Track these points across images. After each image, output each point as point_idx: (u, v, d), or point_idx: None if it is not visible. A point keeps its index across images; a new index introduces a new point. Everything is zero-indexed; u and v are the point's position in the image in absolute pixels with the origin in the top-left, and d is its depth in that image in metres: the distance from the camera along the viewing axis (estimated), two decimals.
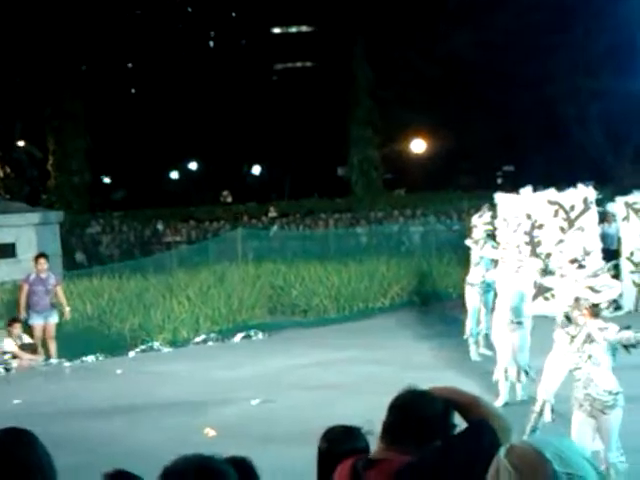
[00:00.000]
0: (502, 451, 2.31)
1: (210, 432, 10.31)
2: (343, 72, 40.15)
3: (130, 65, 47.36)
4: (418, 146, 44.80)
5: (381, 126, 39.87)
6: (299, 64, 50.12)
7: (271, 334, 17.65)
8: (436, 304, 19.92)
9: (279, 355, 15.46)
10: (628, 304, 17.47)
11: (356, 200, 37.62)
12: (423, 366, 13.25)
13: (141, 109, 45.90)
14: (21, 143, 38.96)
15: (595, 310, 7.71)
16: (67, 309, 16.24)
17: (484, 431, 3.50)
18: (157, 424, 11.09)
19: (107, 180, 49.77)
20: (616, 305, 12.41)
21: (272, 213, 34.26)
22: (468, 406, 3.66)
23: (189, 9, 47.25)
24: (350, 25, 40.32)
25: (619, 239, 18.02)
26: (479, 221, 13.92)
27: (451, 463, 3.48)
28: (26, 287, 16.12)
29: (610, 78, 33.24)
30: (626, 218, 17.56)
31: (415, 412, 3.62)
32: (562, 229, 16.91)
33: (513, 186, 18.31)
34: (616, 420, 7.56)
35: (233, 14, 47.81)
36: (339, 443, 4.17)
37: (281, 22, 49.85)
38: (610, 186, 24.13)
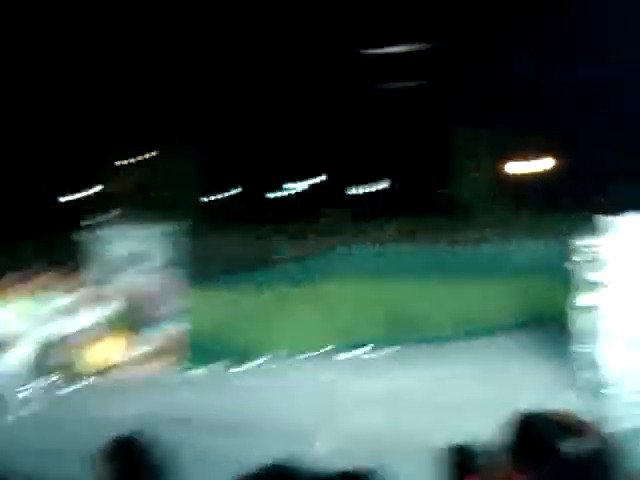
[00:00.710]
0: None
1: (324, 445, 10.45)
2: (452, 89, 39.89)
3: (237, 84, 48.07)
4: (526, 165, 44.11)
5: (493, 144, 39.52)
6: (407, 82, 49.96)
7: (387, 351, 17.59)
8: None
9: (395, 372, 15.46)
10: None
11: (464, 219, 37.25)
12: (545, 387, 13.13)
13: (251, 125, 46.51)
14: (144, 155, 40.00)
15: None
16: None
17: (604, 457, 3.56)
18: (275, 435, 11.23)
19: (222, 195, 50.54)
20: None
21: (378, 231, 34.15)
22: (585, 430, 3.73)
23: None
24: (461, 41, 40.06)
25: None
26: None
27: None
28: (145, 297, 16.54)
29: None
30: None
31: (533, 433, 3.72)
32: None
33: (623, 209, 17.95)
34: None
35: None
36: (461, 461, 4.28)
37: (385, 41, 49.82)
38: None
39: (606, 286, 12.06)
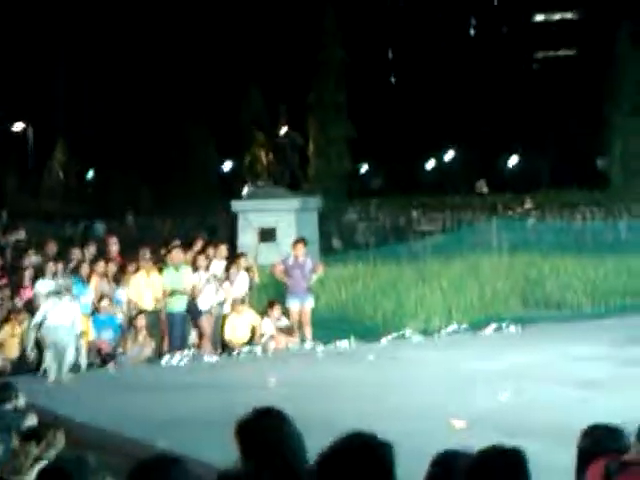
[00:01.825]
0: None
1: (458, 424, 10.33)
2: (606, 58, 38.80)
3: (391, 55, 47.98)
4: None
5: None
6: (561, 52, 48.97)
7: (524, 327, 17.41)
8: None
9: (531, 349, 15.24)
10: None
11: (615, 192, 36.32)
12: None
13: (400, 98, 46.41)
14: (284, 129, 40.39)
15: None
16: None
17: None
18: (407, 410, 11.21)
19: (365, 168, 50.65)
20: None
21: (528, 204, 33.69)
22: None
23: None
24: (614, 9, 38.94)
25: None
26: None
27: None
28: (281, 268, 16.73)
29: None
30: None
31: None
32: None
33: None
34: None
35: (495, 2, 47.37)
36: (601, 443, 4.10)
37: (543, 9, 48.87)
38: None
39: None
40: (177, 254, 16.23)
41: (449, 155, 51.58)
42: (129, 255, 17.18)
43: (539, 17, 49.76)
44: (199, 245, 17.34)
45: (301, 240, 17.12)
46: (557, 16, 49.50)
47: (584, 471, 3.84)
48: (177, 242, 17.81)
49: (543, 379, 12.77)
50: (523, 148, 49.57)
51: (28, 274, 16.07)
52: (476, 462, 3.53)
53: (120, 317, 15.85)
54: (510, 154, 51.06)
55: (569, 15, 48.84)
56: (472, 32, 48.58)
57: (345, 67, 39.24)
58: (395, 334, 16.75)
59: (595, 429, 4.24)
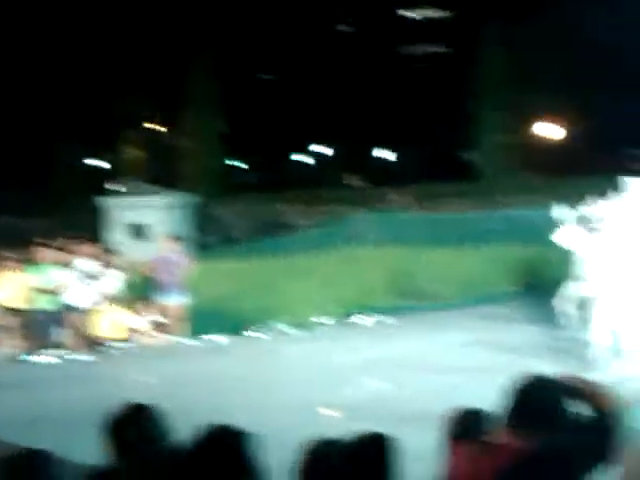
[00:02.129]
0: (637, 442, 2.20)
1: (332, 414, 10.36)
2: (473, 52, 39.59)
3: (262, 49, 47.96)
4: (550, 128, 43.82)
5: (513, 108, 39.18)
6: (428, 47, 49.79)
7: (398, 318, 17.64)
8: None
9: (405, 339, 15.44)
10: None
11: (484, 185, 37.11)
12: (550, 353, 13.07)
13: (275, 93, 46.42)
14: (157, 126, 39.93)
15: None
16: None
17: (607, 420, 3.44)
18: (281, 403, 11.20)
19: (238, 163, 50.51)
20: None
21: (401, 197, 34.10)
22: (591, 395, 3.59)
23: None
24: (480, 7, 39.78)
25: None
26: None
27: (572, 450, 3.42)
28: (153, 265, 16.55)
29: None
30: None
31: (537, 399, 3.58)
32: None
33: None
34: None
35: None
36: (465, 426, 4.17)
37: (408, 4, 49.61)
38: None
39: (608, 252, 11.84)
40: (44, 253, 15.85)
41: (324, 149, 51.90)
42: None
43: (404, 12, 50.45)
44: (68, 243, 16.95)
45: (173, 236, 16.97)
46: (425, 12, 50.32)
47: (450, 454, 3.88)
48: (44, 240, 17.36)
49: (416, 368, 12.96)
50: (396, 142, 50.22)
51: None
52: (344, 450, 3.54)
53: None
54: (384, 147, 51.68)
55: (432, 11, 49.69)
56: (342, 27, 48.92)
57: (218, 62, 39.01)
58: (271, 328, 16.76)
59: (461, 413, 4.31)
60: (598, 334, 12.11)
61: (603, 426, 3.41)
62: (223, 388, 12.21)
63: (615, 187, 14.26)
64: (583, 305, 13.74)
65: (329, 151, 51.51)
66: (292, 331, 16.84)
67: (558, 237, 14.03)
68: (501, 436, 3.59)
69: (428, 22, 49.10)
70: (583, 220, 13.51)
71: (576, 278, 13.75)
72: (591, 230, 13.19)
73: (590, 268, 12.87)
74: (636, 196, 13.47)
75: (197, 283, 16.76)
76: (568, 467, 3.38)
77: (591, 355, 12.55)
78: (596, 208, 13.30)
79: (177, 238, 16.97)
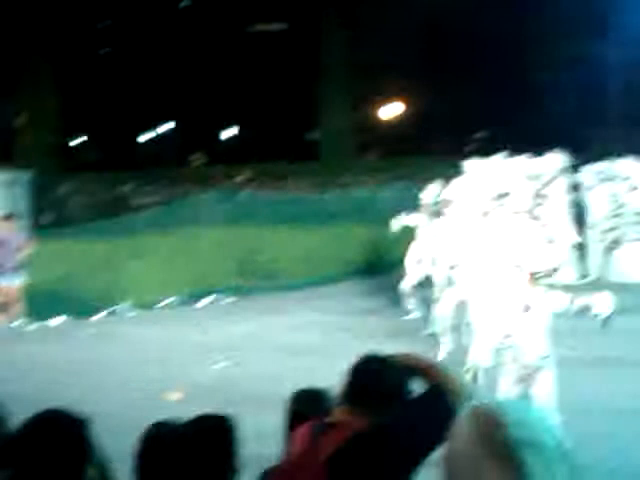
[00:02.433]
0: (463, 413, 2.24)
1: (174, 396, 10.29)
2: (315, 33, 39.82)
3: (102, 24, 46.90)
4: (392, 110, 44.59)
5: (353, 89, 39.64)
6: (271, 25, 49.75)
7: (240, 298, 17.67)
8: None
9: (248, 319, 15.47)
10: (595, 272, 17.59)
11: (327, 164, 37.48)
12: (387, 333, 13.35)
13: (115, 70, 45.49)
14: None
15: (535, 277, 7.87)
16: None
17: (441, 395, 3.52)
18: (125, 386, 11.06)
19: (79, 141, 49.36)
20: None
21: (242, 176, 34.11)
22: (426, 371, 3.68)
23: None
24: None
25: (586, 207, 18.08)
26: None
27: (409, 426, 3.49)
28: None
29: (585, 44, 33.24)
30: (593, 187, 17.61)
31: (374, 377, 3.63)
32: (532, 196, 17.02)
33: (486, 153, 18.35)
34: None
35: None
36: (306, 405, 4.21)
37: None
38: (582, 154, 24.16)
39: (450, 234, 12.12)
40: None
41: (165, 127, 51.26)
42: None
43: None
44: None
45: (7, 215, 16.43)
46: None
47: (291, 434, 3.90)
48: None
49: (261, 348, 13.00)
50: (238, 121, 50.08)
51: None
52: (183, 431, 3.52)
53: None
54: (226, 127, 51.46)
55: None
56: (185, 2, 48.31)
57: (54, 36, 37.93)
58: (110, 310, 16.51)
59: (301, 393, 4.35)
60: (439, 316, 12.42)
61: (439, 403, 3.49)
62: (60, 372, 11.94)
63: (457, 169, 14.65)
64: (425, 286, 14.08)
65: (171, 129, 50.95)
66: (134, 312, 16.62)
67: (401, 218, 14.32)
68: (339, 415, 3.63)
69: (271, 1, 49.06)
70: (425, 202, 13.81)
71: (418, 260, 14.06)
72: (433, 212, 13.49)
73: (432, 250, 13.17)
74: (477, 178, 13.84)
75: (34, 264, 16.30)
76: (405, 444, 3.45)
77: (431, 335, 12.87)
78: (437, 190, 13.60)
79: (11, 216, 16.44)
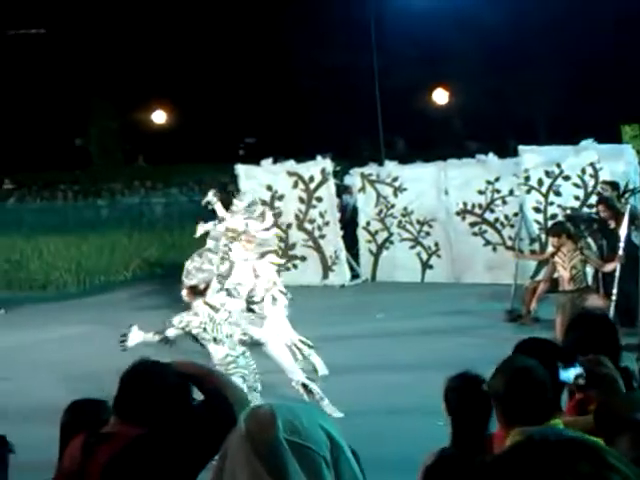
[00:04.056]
0: (242, 416, 2.26)
1: None
2: (82, 41, 39.09)
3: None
4: (159, 117, 44.39)
5: (120, 97, 39.20)
6: (34, 30, 48.25)
7: (8, 310, 17.03)
8: (180, 275, 19.78)
9: (16, 331, 14.94)
10: (365, 273, 18.09)
11: (96, 171, 36.88)
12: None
13: None
14: None
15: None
16: None
17: (217, 401, 3.54)
18: None
19: None
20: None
21: (8, 185, 32.95)
22: (203, 378, 3.68)
23: None
24: None
25: (356, 209, 18.53)
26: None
27: (184, 433, 3.49)
28: None
29: (343, 53, 34.31)
30: (362, 189, 18.08)
31: (147, 384, 3.60)
32: (302, 200, 17.35)
33: (254, 158, 18.53)
34: None
35: None
36: (81, 416, 4.13)
37: None
38: (348, 158, 24.87)
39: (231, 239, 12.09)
40: None
41: None
42: None
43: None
44: None
45: None
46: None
47: (66, 446, 3.82)
48: None
49: (29, 361, 12.60)
50: (2, 128, 48.27)
51: None
52: None
53: None
54: None
55: None
56: None
57: None
58: None
59: (76, 403, 4.26)
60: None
61: (217, 409, 3.51)
62: None
63: (230, 175, 14.68)
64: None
65: None
66: None
67: (202, 225, 14.04)
68: (114, 425, 3.59)
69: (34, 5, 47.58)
70: (206, 207, 13.70)
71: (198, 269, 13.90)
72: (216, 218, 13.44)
73: (213, 256, 13.08)
74: (250, 183, 13.95)
75: None
76: (180, 449, 3.45)
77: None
78: (213, 196, 13.55)
79: None
